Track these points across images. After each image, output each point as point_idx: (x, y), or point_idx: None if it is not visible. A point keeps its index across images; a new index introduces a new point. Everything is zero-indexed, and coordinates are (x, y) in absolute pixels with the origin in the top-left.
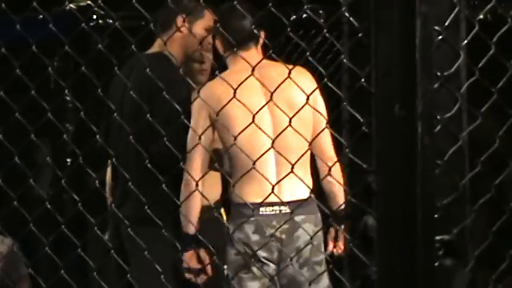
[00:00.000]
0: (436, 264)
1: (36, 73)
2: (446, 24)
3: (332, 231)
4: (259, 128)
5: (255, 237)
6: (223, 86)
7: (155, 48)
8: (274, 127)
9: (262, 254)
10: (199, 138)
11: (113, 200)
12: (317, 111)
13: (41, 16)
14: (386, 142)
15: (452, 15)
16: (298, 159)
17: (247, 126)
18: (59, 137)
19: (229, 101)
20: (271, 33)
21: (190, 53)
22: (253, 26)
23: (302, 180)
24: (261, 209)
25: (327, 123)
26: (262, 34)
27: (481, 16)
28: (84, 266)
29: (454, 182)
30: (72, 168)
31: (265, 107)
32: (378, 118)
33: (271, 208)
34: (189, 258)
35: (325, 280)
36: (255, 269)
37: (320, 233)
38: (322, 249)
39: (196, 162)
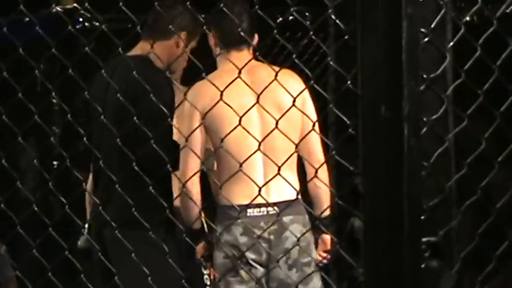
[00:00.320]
0: (423, 265)
1: (23, 75)
2: (432, 26)
3: (320, 242)
4: (246, 131)
5: (243, 239)
6: (217, 84)
7: (137, 51)
8: (262, 128)
9: (250, 256)
10: (187, 140)
11: (95, 202)
12: (304, 114)
13: (28, 19)
14: (372, 144)
15: (438, 17)
16: (286, 161)
17: (235, 127)
18: (46, 139)
19: (217, 102)
20: (258, 35)
21: (173, 67)
22: (248, 28)
23: (288, 182)
24: (249, 210)
25: (314, 125)
26: (255, 37)
27: (467, 18)
28: (70, 269)
29: (440, 184)
30: (59, 170)
31: (255, 108)
32: (364, 120)
33: (258, 209)
34: (201, 249)
35: (316, 281)
36: (243, 272)
37: (308, 234)
38: (312, 250)
39: (191, 162)
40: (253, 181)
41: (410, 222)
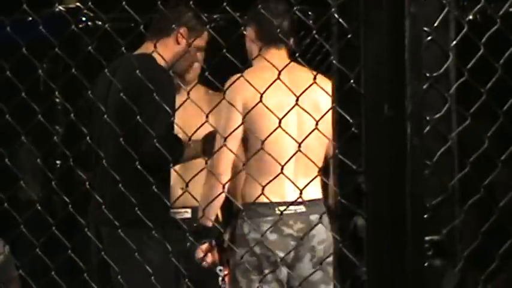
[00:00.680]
0: (426, 264)
1: (26, 75)
2: (435, 24)
3: None
4: (285, 131)
5: (272, 237)
6: (257, 80)
7: (141, 50)
8: (298, 127)
9: (280, 254)
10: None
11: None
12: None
13: (31, 18)
14: (375, 143)
15: (441, 16)
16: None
17: (275, 130)
18: (49, 138)
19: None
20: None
21: (178, 65)
22: (288, 28)
23: (326, 180)
24: (278, 208)
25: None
26: (292, 41)
27: (471, 17)
28: (73, 268)
29: (443, 183)
30: (62, 170)
31: (295, 107)
32: (367, 119)
33: (288, 207)
34: (203, 252)
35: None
36: (267, 272)
37: (331, 234)
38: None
39: (226, 152)
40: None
41: (413, 220)
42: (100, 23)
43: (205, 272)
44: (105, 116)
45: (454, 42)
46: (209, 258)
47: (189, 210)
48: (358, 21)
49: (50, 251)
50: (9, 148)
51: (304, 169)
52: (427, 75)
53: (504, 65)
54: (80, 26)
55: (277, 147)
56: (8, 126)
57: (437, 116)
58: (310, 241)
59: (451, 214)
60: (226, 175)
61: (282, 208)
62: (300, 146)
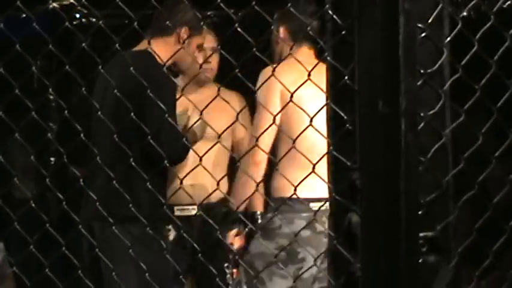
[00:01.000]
0: (420, 260)
1: (20, 72)
2: (429, 21)
3: None
4: (316, 130)
5: (306, 233)
6: (294, 71)
7: (141, 46)
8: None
9: (311, 250)
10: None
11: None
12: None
13: (24, 15)
14: (369, 139)
15: (435, 12)
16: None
17: (306, 127)
18: (43, 135)
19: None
20: (255, 31)
21: (181, 63)
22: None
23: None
24: (311, 204)
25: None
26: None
27: (465, 13)
28: (67, 265)
29: (437, 179)
30: (56, 167)
31: (321, 105)
32: (361, 115)
33: (320, 204)
34: (233, 236)
35: None
36: (292, 268)
37: None
38: None
39: (266, 142)
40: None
41: (408, 217)
42: (94, 19)
43: (212, 267)
44: (100, 113)
45: (448, 39)
46: (237, 243)
47: (196, 207)
48: (352, 18)
49: (44, 248)
50: (2, 145)
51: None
52: (421, 71)
53: (498, 61)
54: (74, 23)
55: (311, 141)
56: (2, 123)
57: (432, 112)
58: None
59: (445, 210)
60: (263, 163)
61: (314, 204)
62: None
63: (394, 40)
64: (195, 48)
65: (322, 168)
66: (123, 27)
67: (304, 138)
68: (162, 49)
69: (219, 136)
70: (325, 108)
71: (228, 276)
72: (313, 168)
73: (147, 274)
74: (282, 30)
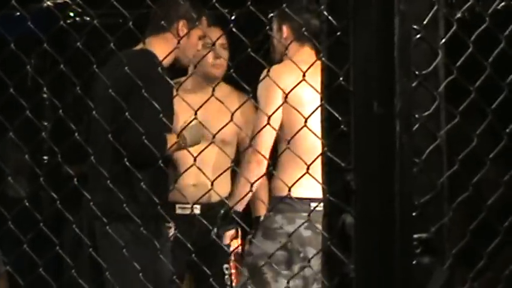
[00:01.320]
0: (414, 262)
1: (14, 70)
2: (424, 22)
3: None
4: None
5: (307, 233)
6: (295, 71)
7: (140, 45)
8: None
9: (312, 251)
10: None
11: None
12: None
13: (19, 13)
14: (364, 140)
15: (430, 14)
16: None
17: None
18: (37, 134)
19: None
20: (250, 31)
21: (183, 57)
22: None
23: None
24: (312, 204)
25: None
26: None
27: (460, 15)
28: (60, 264)
29: (432, 181)
30: (50, 166)
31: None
32: (356, 116)
33: (321, 204)
34: (230, 237)
35: None
36: (295, 268)
37: None
38: None
39: (268, 141)
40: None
41: (402, 218)
42: (88, 18)
43: (212, 267)
44: (100, 111)
45: (443, 40)
46: (234, 245)
47: (199, 207)
48: (347, 19)
49: (38, 248)
50: None
51: None
52: (416, 73)
53: (493, 63)
54: (68, 21)
55: (310, 141)
56: None
57: (426, 113)
58: None
59: (440, 212)
60: (264, 163)
61: (314, 204)
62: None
63: (389, 41)
64: (197, 40)
65: (319, 167)
66: (118, 27)
67: (304, 139)
68: (162, 46)
69: (214, 136)
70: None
71: (227, 277)
72: (307, 168)
73: (147, 272)
74: (284, 28)
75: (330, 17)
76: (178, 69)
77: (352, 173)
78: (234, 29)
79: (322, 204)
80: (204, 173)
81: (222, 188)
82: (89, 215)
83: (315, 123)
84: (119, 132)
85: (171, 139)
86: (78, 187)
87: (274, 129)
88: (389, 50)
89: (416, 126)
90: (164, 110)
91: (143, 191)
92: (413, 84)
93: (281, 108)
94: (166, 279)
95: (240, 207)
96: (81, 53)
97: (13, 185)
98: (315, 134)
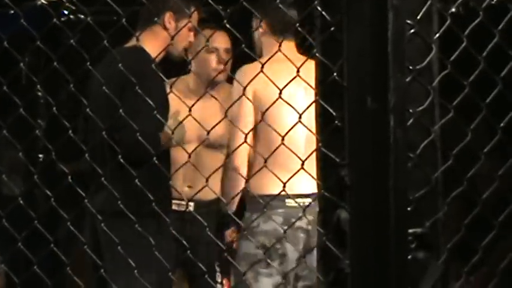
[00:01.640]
0: (409, 257)
1: (8, 68)
2: (418, 17)
3: None
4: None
5: (282, 229)
6: (267, 70)
7: (133, 41)
8: (308, 119)
9: (289, 247)
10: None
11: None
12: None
13: (12, 11)
14: (358, 135)
15: (424, 9)
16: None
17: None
18: (31, 132)
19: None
20: (244, 28)
21: (173, 49)
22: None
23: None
24: (287, 200)
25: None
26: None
27: (453, 9)
28: (56, 262)
29: (426, 175)
30: (45, 163)
31: (303, 98)
32: (350, 111)
33: (297, 200)
34: (230, 236)
35: None
36: (275, 265)
37: None
38: None
39: (239, 141)
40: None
41: (397, 213)
42: (82, 16)
43: (204, 264)
44: (95, 109)
45: (437, 35)
46: (235, 243)
47: (193, 204)
48: (341, 14)
49: (33, 246)
50: None
51: (311, 161)
52: (410, 68)
53: (487, 57)
54: (62, 19)
55: (287, 138)
56: None
57: (421, 108)
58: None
59: (434, 207)
60: (243, 166)
61: (290, 201)
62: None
63: (383, 36)
64: (187, 32)
65: (297, 165)
66: (112, 24)
67: (278, 136)
68: (152, 41)
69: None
70: (301, 105)
71: (218, 274)
72: (302, 164)
73: (150, 268)
74: (262, 24)
75: (323, 12)
76: (173, 65)
77: (347, 168)
78: (227, 25)
79: (298, 200)
80: (200, 172)
81: (217, 187)
82: (90, 212)
83: (292, 118)
84: (115, 130)
85: (165, 135)
86: (73, 185)
87: (245, 132)
88: (383, 45)
89: (411, 121)
90: (158, 106)
91: (144, 186)
92: (407, 79)
93: (252, 108)
94: (167, 275)
95: (231, 208)
96: (75, 51)
97: (7, 183)
98: (309, 129)
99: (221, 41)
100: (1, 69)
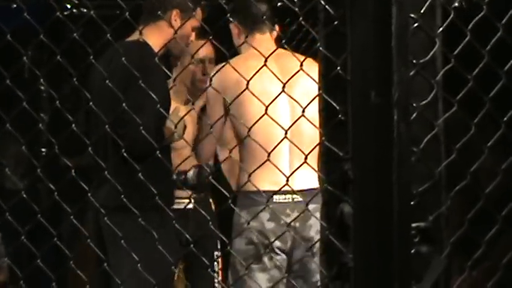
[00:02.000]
0: (412, 251)
1: (11, 62)
2: (422, 11)
3: None
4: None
5: (270, 225)
6: (240, 68)
7: (135, 36)
8: (291, 115)
9: (276, 243)
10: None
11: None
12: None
13: (15, 5)
14: (362, 130)
15: (428, 3)
16: (313, 149)
17: (262, 116)
18: (34, 126)
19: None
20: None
21: (174, 47)
22: (269, 11)
23: (315, 170)
24: (275, 196)
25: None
26: (276, 27)
27: (457, 3)
28: (59, 256)
29: (430, 169)
30: (47, 157)
31: (283, 95)
32: (353, 106)
33: (284, 196)
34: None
35: None
36: (266, 260)
37: None
38: None
39: (209, 143)
40: (279, 170)
41: (400, 207)
42: (85, 10)
43: (205, 256)
44: (99, 103)
45: (441, 29)
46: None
47: (193, 201)
48: (344, 8)
49: (36, 240)
50: None
51: (300, 157)
52: (414, 62)
53: (490, 51)
54: (65, 13)
55: (267, 134)
56: None
57: (424, 102)
58: (308, 231)
59: (438, 201)
60: (207, 155)
61: (277, 197)
62: (286, 132)
63: (386, 30)
64: (190, 31)
65: (284, 161)
66: (115, 18)
67: (258, 132)
68: (155, 35)
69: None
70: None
71: (216, 263)
72: (305, 158)
73: (153, 263)
74: (232, 26)
75: (326, 6)
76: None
77: (350, 162)
78: (231, 19)
79: (285, 196)
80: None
81: None
82: (94, 207)
83: (274, 113)
84: (120, 124)
85: (168, 130)
86: (76, 179)
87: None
88: (387, 39)
89: (414, 115)
90: (162, 101)
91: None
92: (411, 73)
93: (222, 109)
94: (169, 270)
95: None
96: (78, 44)
97: (11, 177)
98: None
99: (206, 51)
100: (4, 63)
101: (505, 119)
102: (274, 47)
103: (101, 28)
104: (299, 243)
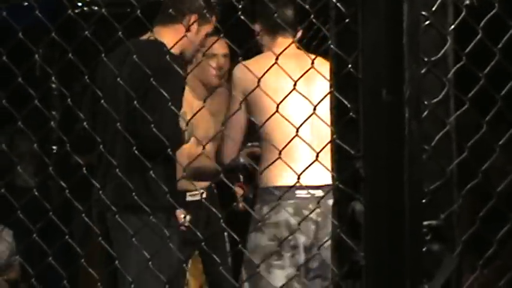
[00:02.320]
0: (424, 249)
1: (22, 60)
2: (433, 9)
3: None
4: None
5: (293, 221)
6: (256, 67)
7: (150, 35)
8: (311, 111)
9: (301, 238)
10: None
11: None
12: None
13: (27, 3)
14: (373, 127)
15: (439, 0)
16: (325, 146)
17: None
18: (45, 124)
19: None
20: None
21: (187, 51)
22: (293, 16)
23: (325, 167)
24: (297, 191)
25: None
26: (299, 31)
27: (468, 1)
28: (69, 253)
29: (441, 167)
30: (59, 155)
31: (304, 92)
32: (365, 104)
33: (306, 191)
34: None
35: None
36: (286, 256)
37: None
38: None
39: (231, 143)
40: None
41: (412, 205)
42: (96, 8)
43: (218, 241)
44: (116, 101)
45: (452, 27)
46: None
47: (205, 192)
48: (356, 6)
49: (47, 237)
50: (5, 134)
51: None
52: (425, 59)
53: (502, 49)
54: (76, 11)
55: (289, 130)
56: (4, 112)
57: (436, 100)
58: (329, 226)
59: (449, 199)
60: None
61: (300, 192)
62: (297, 130)
63: (398, 28)
64: (204, 37)
65: (304, 156)
66: (126, 16)
67: (279, 129)
68: (171, 37)
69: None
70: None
71: (227, 244)
72: (317, 156)
73: (160, 262)
74: (256, 26)
75: (338, 4)
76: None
77: (362, 160)
78: (243, 18)
79: (308, 191)
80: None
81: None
82: (99, 205)
83: (292, 111)
84: (135, 123)
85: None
86: (87, 176)
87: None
88: (398, 37)
89: (426, 113)
90: (179, 101)
91: (155, 181)
92: (422, 71)
93: (242, 108)
94: (176, 269)
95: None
96: (90, 42)
97: (22, 175)
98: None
99: (219, 47)
100: (16, 61)
101: None
102: (296, 50)
103: (112, 26)
104: (321, 239)
